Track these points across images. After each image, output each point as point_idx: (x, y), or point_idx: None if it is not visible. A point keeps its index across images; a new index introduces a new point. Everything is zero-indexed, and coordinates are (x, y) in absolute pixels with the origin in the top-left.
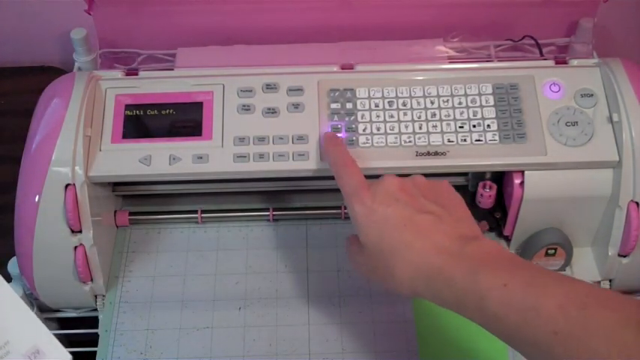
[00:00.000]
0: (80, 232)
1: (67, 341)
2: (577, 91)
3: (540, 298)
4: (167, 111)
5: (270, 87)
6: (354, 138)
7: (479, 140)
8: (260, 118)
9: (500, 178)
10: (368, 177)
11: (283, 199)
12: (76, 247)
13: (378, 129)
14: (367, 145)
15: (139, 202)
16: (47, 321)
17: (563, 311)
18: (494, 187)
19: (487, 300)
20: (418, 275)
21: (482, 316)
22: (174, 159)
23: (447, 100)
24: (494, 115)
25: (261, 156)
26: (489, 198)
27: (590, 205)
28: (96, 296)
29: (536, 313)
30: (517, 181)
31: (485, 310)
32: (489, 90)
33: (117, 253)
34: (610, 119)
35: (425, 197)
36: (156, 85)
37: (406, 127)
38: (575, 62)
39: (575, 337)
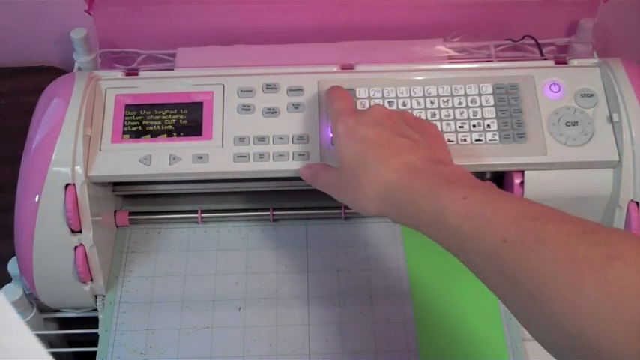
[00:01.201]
0: (80, 232)
1: (67, 341)
2: (577, 91)
3: (495, 212)
4: (167, 111)
5: (270, 87)
6: None
7: (479, 140)
8: (260, 118)
9: (501, 178)
10: None
11: (283, 199)
12: (76, 247)
13: None
14: None
15: (139, 202)
16: (47, 321)
17: (514, 221)
18: None
19: (445, 211)
20: (385, 189)
21: (438, 228)
22: (174, 159)
23: (447, 100)
24: (494, 115)
25: (261, 156)
26: None
27: (590, 205)
28: (96, 296)
29: (488, 223)
30: (517, 181)
31: (441, 222)
32: (489, 90)
33: (117, 253)
34: (610, 119)
35: (408, 126)
36: (156, 85)
37: None
38: (575, 62)
39: (524, 245)
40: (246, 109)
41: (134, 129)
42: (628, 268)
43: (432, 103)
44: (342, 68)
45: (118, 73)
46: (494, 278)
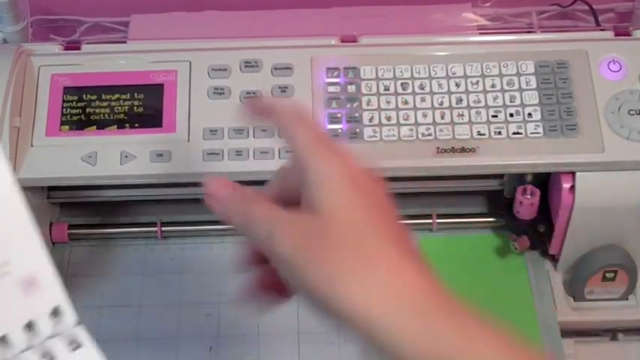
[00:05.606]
0: None
1: None
2: None
3: None
4: (118, 95)
5: (250, 65)
6: (357, 130)
7: (517, 133)
8: (237, 104)
9: (545, 182)
10: None
11: None
12: None
13: (389, 119)
14: (374, 139)
15: (81, 211)
16: None
17: None
18: (537, 192)
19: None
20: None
21: None
22: (126, 157)
23: (477, 82)
24: (537, 101)
25: (239, 153)
26: (531, 207)
27: None
28: None
29: None
30: (566, 186)
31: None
32: (531, 69)
33: None
34: None
35: None
36: (103, 63)
37: (424, 115)
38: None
39: None
40: (219, 93)
41: (75, 118)
42: None
43: (458, 85)
44: (343, 41)
45: (55, 47)
46: None
